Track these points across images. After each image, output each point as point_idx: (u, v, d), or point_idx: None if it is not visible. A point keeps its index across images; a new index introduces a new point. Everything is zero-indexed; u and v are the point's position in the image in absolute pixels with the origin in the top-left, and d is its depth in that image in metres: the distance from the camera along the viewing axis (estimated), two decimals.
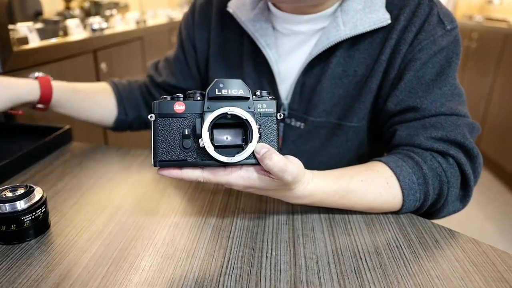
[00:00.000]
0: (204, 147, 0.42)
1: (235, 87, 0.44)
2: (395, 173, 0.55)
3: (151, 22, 2.53)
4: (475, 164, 0.58)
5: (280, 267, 0.45)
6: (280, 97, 0.70)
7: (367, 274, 0.44)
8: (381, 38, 0.63)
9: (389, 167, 0.55)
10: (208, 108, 0.43)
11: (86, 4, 2.29)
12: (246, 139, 0.44)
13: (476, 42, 2.77)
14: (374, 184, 0.54)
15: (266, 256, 0.46)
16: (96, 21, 1.88)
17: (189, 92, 0.45)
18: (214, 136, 0.45)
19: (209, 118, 0.43)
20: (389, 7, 0.62)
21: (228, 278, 0.43)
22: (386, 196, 0.54)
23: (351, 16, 0.62)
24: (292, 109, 0.70)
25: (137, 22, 2.31)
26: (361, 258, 0.46)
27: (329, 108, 0.68)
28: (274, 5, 0.68)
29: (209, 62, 0.76)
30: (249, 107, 0.44)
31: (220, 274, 0.43)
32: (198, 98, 0.45)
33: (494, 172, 2.47)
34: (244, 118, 0.43)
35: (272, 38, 0.68)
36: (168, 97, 0.45)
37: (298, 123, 0.71)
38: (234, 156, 0.43)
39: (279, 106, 0.47)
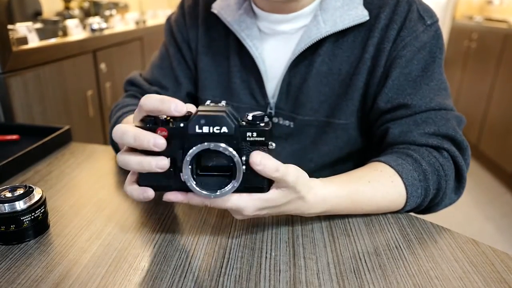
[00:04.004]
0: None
1: (218, 124, 0.40)
2: (398, 171, 0.55)
3: (151, 22, 2.53)
4: (465, 156, 0.60)
5: (280, 267, 0.45)
6: (267, 95, 0.71)
7: (367, 275, 0.44)
8: (363, 36, 0.65)
9: (391, 166, 0.56)
10: (190, 141, 0.41)
11: (86, 4, 2.29)
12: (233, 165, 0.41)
13: (476, 43, 2.77)
14: (380, 184, 0.54)
15: (266, 257, 0.46)
16: (95, 21, 1.88)
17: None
18: (201, 158, 0.42)
19: (190, 153, 0.40)
20: (368, 6, 0.64)
21: (227, 279, 0.43)
22: (393, 194, 0.54)
23: (330, 14, 0.64)
24: (279, 108, 0.71)
25: (137, 22, 2.31)
26: (360, 259, 0.46)
27: (317, 106, 0.69)
28: (255, 3, 0.70)
29: (197, 62, 0.77)
30: (235, 142, 0.41)
31: (220, 274, 0.43)
32: (181, 125, 0.41)
33: (494, 173, 2.47)
34: (227, 154, 0.40)
35: (258, 38, 0.69)
36: (152, 119, 0.42)
37: (287, 122, 0.71)
38: (216, 191, 0.41)
39: (271, 133, 0.44)
